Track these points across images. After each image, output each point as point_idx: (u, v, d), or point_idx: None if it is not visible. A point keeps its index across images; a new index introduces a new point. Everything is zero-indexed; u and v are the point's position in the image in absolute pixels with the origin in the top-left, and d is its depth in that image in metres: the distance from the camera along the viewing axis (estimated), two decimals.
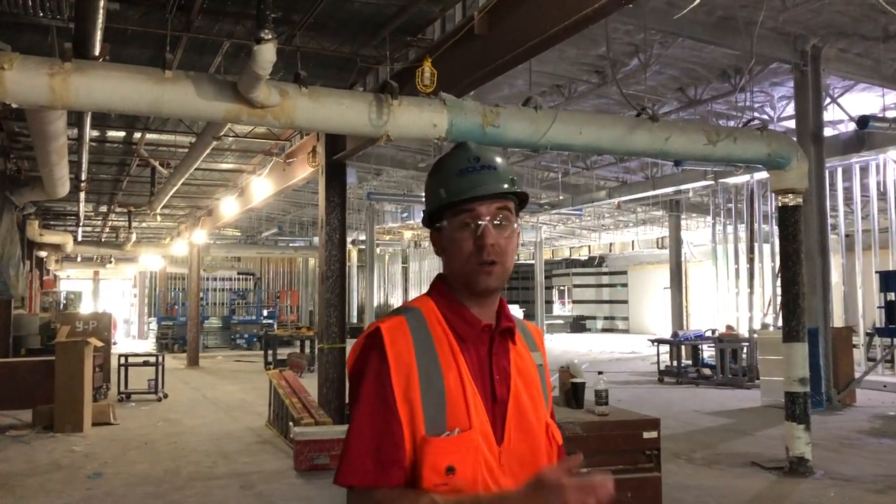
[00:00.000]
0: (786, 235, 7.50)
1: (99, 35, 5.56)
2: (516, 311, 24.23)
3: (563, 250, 33.96)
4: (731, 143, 7.20)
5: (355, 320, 29.58)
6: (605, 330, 33.74)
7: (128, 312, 34.03)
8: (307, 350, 17.65)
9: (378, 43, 7.98)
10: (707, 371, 14.27)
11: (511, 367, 1.48)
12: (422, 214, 1.59)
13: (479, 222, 1.44)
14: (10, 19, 6.62)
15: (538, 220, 24.10)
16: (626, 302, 33.22)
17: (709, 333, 14.91)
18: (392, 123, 6.10)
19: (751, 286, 15.12)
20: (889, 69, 10.53)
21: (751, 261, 15.16)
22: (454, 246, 1.46)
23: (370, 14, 7.54)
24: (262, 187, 13.08)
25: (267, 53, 5.03)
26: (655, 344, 15.05)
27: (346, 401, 8.79)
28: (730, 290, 16.33)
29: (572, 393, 4.99)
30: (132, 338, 30.77)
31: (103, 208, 20.17)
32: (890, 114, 11.88)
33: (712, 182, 14.53)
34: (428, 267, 30.43)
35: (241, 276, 30.51)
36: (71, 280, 34.71)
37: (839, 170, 13.88)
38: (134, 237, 22.05)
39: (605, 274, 34.87)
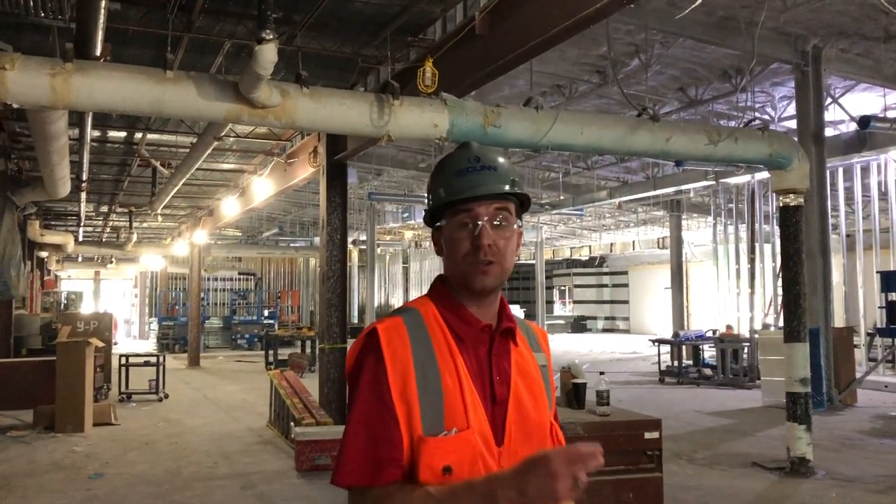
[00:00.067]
0: (787, 235, 7.49)
1: (100, 35, 5.56)
2: (517, 311, 24.22)
3: (564, 250, 33.98)
4: (733, 143, 7.20)
5: (356, 320, 29.57)
6: (605, 330, 33.73)
7: (129, 313, 34.04)
8: (308, 350, 17.66)
9: (379, 43, 7.98)
10: (708, 371, 14.26)
11: (512, 367, 1.47)
12: (422, 214, 1.59)
13: (478, 222, 1.43)
14: (11, 19, 6.62)
15: (539, 220, 24.12)
16: (626, 302, 33.21)
17: (710, 333, 14.92)
18: (393, 124, 6.11)
19: (752, 286, 15.11)
20: (890, 69, 10.53)
21: (752, 261, 15.15)
22: (452, 245, 1.46)
23: (371, 14, 7.54)
24: (263, 187, 13.08)
25: (268, 53, 5.03)
26: (656, 344, 15.04)
27: (347, 401, 8.78)
28: (731, 291, 16.32)
29: (574, 393, 4.99)
30: (133, 338, 30.78)
31: (104, 208, 20.18)
32: (891, 114, 11.88)
33: (713, 182, 14.52)
34: (429, 267, 30.42)
35: (241, 277, 30.54)
36: (72, 280, 34.73)
37: (840, 170, 13.87)
38: (135, 237, 22.06)
39: (605, 274, 34.86)
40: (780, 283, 8.52)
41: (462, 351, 1.42)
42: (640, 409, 6.22)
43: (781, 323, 8.51)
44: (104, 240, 26.20)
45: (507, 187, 1.47)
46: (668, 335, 17.09)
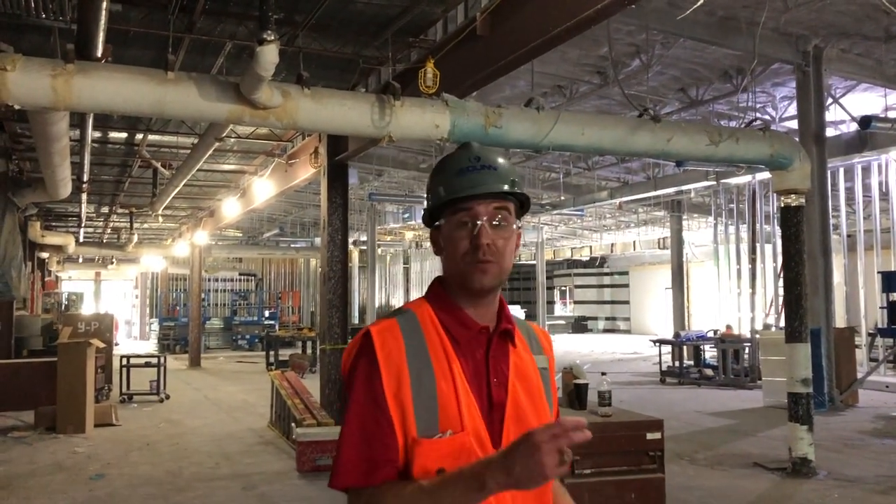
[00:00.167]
0: (788, 236, 7.49)
1: (101, 36, 5.56)
2: (517, 311, 24.22)
3: (565, 251, 33.97)
4: (734, 143, 7.19)
5: (357, 321, 29.57)
6: (606, 330, 33.73)
7: (129, 313, 34.05)
8: (309, 351, 17.67)
9: (380, 44, 7.98)
10: (709, 372, 14.26)
11: (511, 370, 1.46)
12: (423, 215, 1.59)
13: (477, 221, 1.43)
14: (12, 21, 6.62)
15: (540, 221, 24.11)
16: (627, 302, 33.20)
17: (710, 334, 14.91)
18: (394, 124, 6.11)
19: (752, 287, 15.10)
20: (891, 69, 10.53)
21: (752, 261, 15.15)
22: (451, 244, 1.46)
23: (372, 15, 7.54)
24: (263, 188, 13.09)
25: (269, 54, 5.03)
26: (657, 344, 15.04)
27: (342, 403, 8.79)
28: (731, 291, 16.31)
29: (575, 394, 4.99)
30: (134, 339, 30.81)
31: (105, 209, 20.18)
32: (892, 114, 11.87)
33: (714, 182, 14.52)
34: (429, 268, 30.41)
35: (242, 277, 30.54)
36: (72, 281, 34.70)
37: (841, 170, 13.87)
38: (136, 238, 22.06)
39: (606, 274, 34.86)
40: (780, 283, 8.50)
41: (458, 353, 1.42)
42: (642, 410, 6.21)
43: (782, 323, 8.50)
44: (105, 241, 26.20)
45: (506, 187, 1.46)
46: (669, 335, 17.09)
